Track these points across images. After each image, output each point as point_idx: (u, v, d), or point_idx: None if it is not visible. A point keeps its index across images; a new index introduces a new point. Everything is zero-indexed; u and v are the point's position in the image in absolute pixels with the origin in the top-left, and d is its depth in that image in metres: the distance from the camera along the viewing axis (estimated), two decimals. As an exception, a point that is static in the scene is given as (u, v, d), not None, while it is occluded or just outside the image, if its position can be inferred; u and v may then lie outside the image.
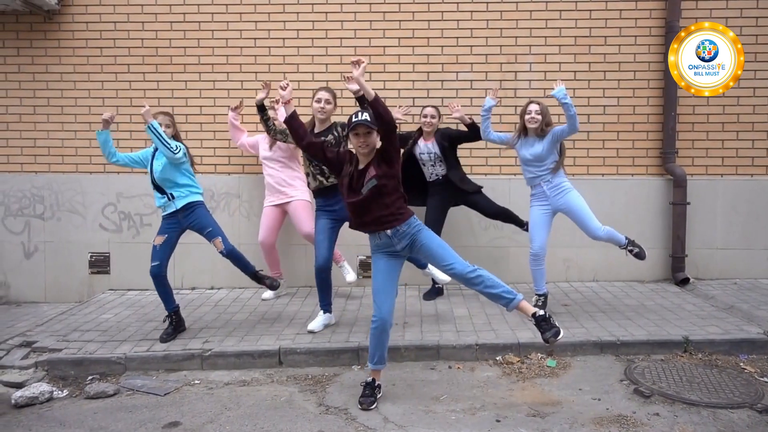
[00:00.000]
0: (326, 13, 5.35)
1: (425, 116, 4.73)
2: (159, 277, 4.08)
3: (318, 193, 4.28)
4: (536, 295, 4.41)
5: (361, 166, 3.22)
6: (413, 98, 5.36)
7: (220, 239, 4.13)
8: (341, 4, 5.34)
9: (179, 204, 4.10)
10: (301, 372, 3.77)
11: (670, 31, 5.15)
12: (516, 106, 5.38)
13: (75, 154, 5.46)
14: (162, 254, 4.09)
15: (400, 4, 5.34)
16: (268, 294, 5.02)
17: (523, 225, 4.86)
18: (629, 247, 4.37)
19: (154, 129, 3.94)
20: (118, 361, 3.83)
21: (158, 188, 4.12)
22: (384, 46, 5.36)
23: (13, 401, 3.45)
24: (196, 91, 5.41)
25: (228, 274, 5.40)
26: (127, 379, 3.74)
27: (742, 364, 3.73)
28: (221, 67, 5.39)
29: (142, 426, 3.13)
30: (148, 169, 4.16)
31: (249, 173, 5.43)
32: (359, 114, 3.16)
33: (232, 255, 4.18)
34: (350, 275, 4.93)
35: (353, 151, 3.30)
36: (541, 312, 3.26)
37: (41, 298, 5.47)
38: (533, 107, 4.26)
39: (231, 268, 5.22)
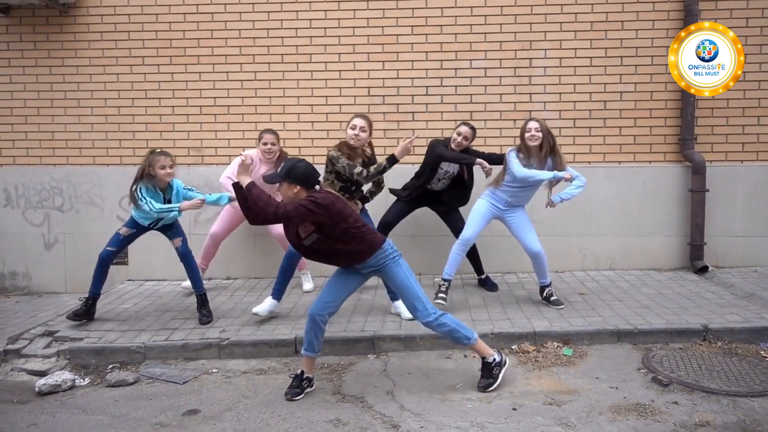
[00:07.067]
0: (338, 2, 5.31)
1: (459, 134, 4.42)
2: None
3: None
4: (443, 279, 4.37)
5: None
6: (426, 87, 5.33)
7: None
8: (353, -8, 5.31)
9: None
10: (317, 361, 3.78)
11: (689, 15, 5.04)
12: (531, 94, 5.34)
13: (92, 146, 5.51)
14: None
15: (412, -9, 5.30)
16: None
17: (481, 273, 4.88)
18: (550, 291, 4.38)
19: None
20: (138, 350, 3.89)
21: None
22: (397, 35, 5.32)
23: (36, 389, 3.53)
24: (210, 82, 5.42)
25: (243, 265, 5.44)
26: (146, 367, 3.80)
27: (762, 352, 3.68)
28: (234, 58, 5.39)
29: (162, 413, 3.19)
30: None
31: (263, 164, 5.44)
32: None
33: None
34: (308, 285, 4.99)
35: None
36: (496, 358, 3.28)
37: (62, 289, 5.57)
38: (533, 124, 4.12)
39: (246, 257, 5.24)
